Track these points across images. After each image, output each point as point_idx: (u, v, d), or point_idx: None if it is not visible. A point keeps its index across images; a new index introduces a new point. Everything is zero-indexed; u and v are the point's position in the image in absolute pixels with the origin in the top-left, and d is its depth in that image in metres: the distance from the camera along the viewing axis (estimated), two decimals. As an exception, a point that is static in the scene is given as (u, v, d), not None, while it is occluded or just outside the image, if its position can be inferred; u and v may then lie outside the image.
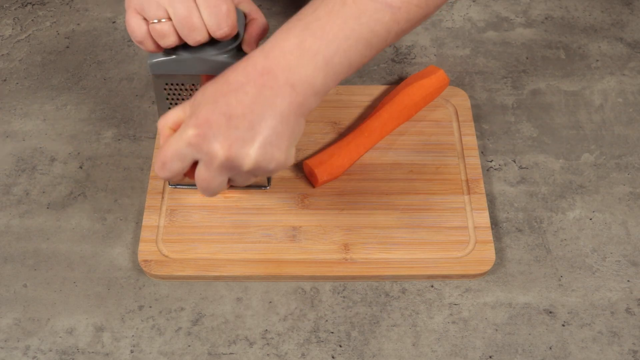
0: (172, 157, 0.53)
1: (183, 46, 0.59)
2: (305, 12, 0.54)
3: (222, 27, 0.56)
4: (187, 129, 0.52)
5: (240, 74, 0.52)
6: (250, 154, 0.52)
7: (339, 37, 0.52)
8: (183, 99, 0.64)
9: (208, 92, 0.53)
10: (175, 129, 0.55)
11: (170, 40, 0.56)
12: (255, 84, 0.52)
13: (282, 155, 0.53)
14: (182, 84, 0.63)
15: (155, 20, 0.55)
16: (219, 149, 0.51)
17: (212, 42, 0.58)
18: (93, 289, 0.68)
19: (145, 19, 0.56)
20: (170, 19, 0.55)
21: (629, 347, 0.65)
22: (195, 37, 0.56)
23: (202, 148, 0.52)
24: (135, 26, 0.56)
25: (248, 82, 0.52)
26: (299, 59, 0.52)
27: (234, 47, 0.60)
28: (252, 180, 0.56)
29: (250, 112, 0.51)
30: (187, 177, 0.57)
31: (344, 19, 0.52)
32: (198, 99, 0.54)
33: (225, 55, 0.59)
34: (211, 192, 0.56)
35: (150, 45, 0.57)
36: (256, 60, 0.52)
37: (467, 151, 0.76)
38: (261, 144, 0.52)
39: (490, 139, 0.79)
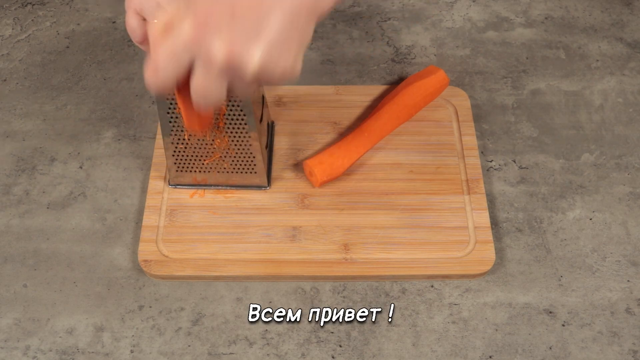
0: (166, 59, 0.47)
1: None
2: None
3: None
4: (183, 24, 0.46)
5: None
6: (255, 55, 0.46)
7: None
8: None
9: None
10: (167, 30, 0.48)
11: None
12: None
13: (290, 61, 0.47)
14: None
15: (155, 20, 0.55)
16: (220, 47, 0.45)
17: None
18: (93, 289, 0.69)
19: (145, 19, 0.56)
20: None
21: (629, 347, 0.65)
22: None
23: (201, 46, 0.46)
24: (135, 26, 0.56)
25: None
26: None
27: None
28: (254, 90, 0.49)
29: (257, 5, 0.45)
30: (180, 91, 0.51)
31: None
32: None
33: None
34: (208, 101, 0.49)
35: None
36: None
37: (467, 151, 0.76)
38: (268, 44, 0.46)
39: (490, 139, 0.79)
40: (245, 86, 0.48)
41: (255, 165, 0.71)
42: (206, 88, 0.48)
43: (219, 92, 0.48)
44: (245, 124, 0.66)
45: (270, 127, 0.78)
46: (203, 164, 0.71)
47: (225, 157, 0.70)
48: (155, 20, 0.49)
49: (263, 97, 0.73)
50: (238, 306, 0.67)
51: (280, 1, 0.46)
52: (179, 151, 0.70)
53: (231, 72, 0.47)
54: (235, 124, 0.67)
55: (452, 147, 0.77)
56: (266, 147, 0.74)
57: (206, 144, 0.69)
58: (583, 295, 0.68)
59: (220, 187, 0.74)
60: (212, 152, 0.69)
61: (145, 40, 0.57)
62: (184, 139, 0.68)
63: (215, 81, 0.47)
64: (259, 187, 0.74)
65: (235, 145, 0.69)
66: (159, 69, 0.48)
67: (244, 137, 0.68)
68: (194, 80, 0.48)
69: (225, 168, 0.71)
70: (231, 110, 0.65)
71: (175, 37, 0.46)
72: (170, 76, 0.48)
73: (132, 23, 0.56)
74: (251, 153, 0.69)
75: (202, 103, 0.49)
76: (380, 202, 0.73)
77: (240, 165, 0.71)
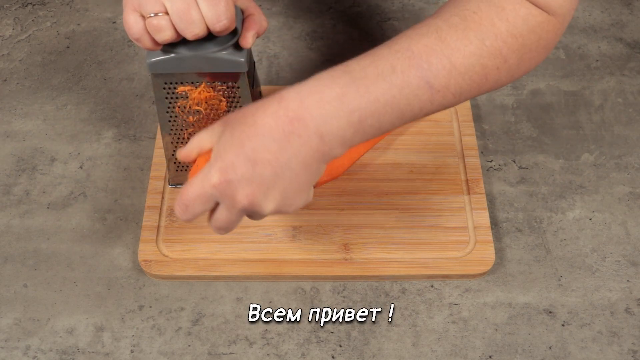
0: (196, 199, 0.53)
1: (181, 44, 0.59)
2: (353, 66, 0.53)
3: (222, 19, 0.55)
4: (213, 172, 0.52)
5: (270, 117, 0.51)
6: (271, 202, 0.52)
7: (380, 101, 0.52)
8: (182, 99, 0.64)
9: (235, 133, 0.52)
10: (203, 156, 0.56)
11: (167, 35, 0.56)
12: (284, 130, 0.50)
13: (302, 200, 0.54)
14: (181, 83, 0.63)
15: (152, 15, 0.55)
16: (242, 197, 0.52)
17: (209, 38, 0.58)
18: (93, 289, 0.69)
19: (142, 15, 0.56)
20: (167, 13, 0.55)
21: (629, 347, 0.65)
22: (193, 30, 0.56)
23: (227, 194, 0.52)
24: (133, 23, 0.56)
25: (277, 127, 0.51)
26: (335, 111, 0.51)
27: (232, 43, 0.60)
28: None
29: (275, 159, 0.51)
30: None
31: (389, 86, 0.52)
32: (224, 139, 0.53)
33: (224, 52, 0.59)
34: (226, 232, 0.56)
35: (147, 42, 0.57)
36: (289, 103, 0.51)
37: (467, 151, 0.76)
38: (283, 192, 0.52)
39: (490, 139, 0.79)
40: (260, 218, 0.55)
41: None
42: (228, 222, 0.55)
43: (237, 224, 0.55)
44: None
45: None
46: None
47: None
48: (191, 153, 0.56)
49: (260, 93, 0.73)
50: (238, 306, 0.67)
51: (296, 157, 0.51)
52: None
53: (250, 212, 0.54)
54: None
55: (452, 147, 0.77)
56: None
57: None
58: (583, 295, 0.68)
59: None
60: None
61: (142, 36, 0.57)
62: (184, 139, 0.68)
63: (237, 218, 0.54)
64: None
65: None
66: (188, 207, 0.54)
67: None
68: (217, 214, 0.54)
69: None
70: (230, 109, 0.65)
71: (204, 181, 0.52)
72: (198, 213, 0.54)
73: (129, 19, 0.56)
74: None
75: (220, 232, 0.56)
76: (380, 202, 0.73)
77: None
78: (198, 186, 0.53)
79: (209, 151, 0.55)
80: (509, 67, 0.56)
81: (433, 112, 0.56)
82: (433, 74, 0.53)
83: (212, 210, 0.55)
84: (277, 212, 0.54)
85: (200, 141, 0.56)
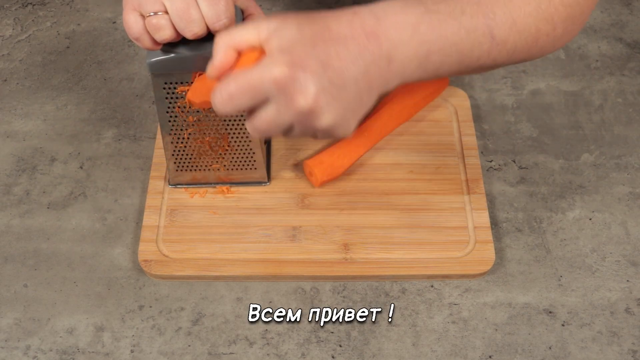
0: (246, 90, 0.48)
1: (181, 44, 0.59)
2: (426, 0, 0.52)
3: (222, 18, 0.55)
4: (277, 64, 0.47)
5: (345, 25, 0.49)
6: (332, 113, 0.49)
7: (448, 39, 0.52)
8: (182, 99, 0.64)
9: (305, 32, 0.48)
10: (241, 52, 0.50)
11: (166, 34, 0.56)
12: (359, 42, 0.48)
13: (353, 124, 0.51)
14: (181, 83, 0.63)
15: (152, 14, 0.55)
16: (307, 97, 0.47)
17: (209, 38, 0.58)
18: (93, 289, 0.69)
19: (142, 15, 0.56)
20: (167, 13, 0.55)
21: (629, 347, 0.65)
22: (193, 29, 0.56)
23: (288, 90, 0.47)
24: (132, 22, 0.56)
25: (352, 37, 0.48)
26: (408, 38, 0.50)
27: None
28: (307, 136, 0.52)
29: (346, 69, 0.48)
30: (199, 78, 0.53)
31: (459, 26, 0.52)
32: (290, 34, 0.48)
33: None
34: (266, 136, 0.52)
35: (146, 41, 0.57)
36: (365, 18, 0.49)
37: (467, 151, 0.76)
38: (345, 106, 0.49)
39: (490, 139, 0.79)
40: (305, 133, 0.51)
41: (255, 161, 0.71)
42: (274, 125, 0.49)
43: (280, 131, 0.50)
44: (244, 119, 0.66)
45: None
46: (203, 162, 0.71)
47: (225, 154, 0.70)
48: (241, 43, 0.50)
49: None
50: (238, 306, 0.67)
51: (365, 73, 0.49)
52: (179, 150, 0.70)
53: (303, 120, 0.49)
54: (235, 120, 0.67)
55: (452, 147, 0.77)
56: (265, 143, 0.74)
57: (206, 141, 0.69)
58: (583, 295, 0.68)
59: (220, 184, 0.74)
60: (212, 149, 0.70)
61: (141, 36, 0.57)
62: (184, 139, 0.68)
63: (285, 122, 0.49)
64: (259, 182, 0.74)
65: (235, 141, 0.69)
66: (234, 97, 0.48)
67: (243, 133, 0.68)
68: (263, 114, 0.49)
69: (225, 165, 0.71)
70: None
71: (264, 73, 0.47)
72: (244, 106, 0.49)
73: (129, 19, 0.56)
74: (250, 149, 0.70)
75: (259, 134, 0.51)
76: (380, 202, 0.73)
77: (240, 161, 0.71)
78: (254, 76, 0.47)
79: (253, 50, 0.50)
80: (555, 35, 0.57)
81: (486, 67, 0.56)
82: (497, 24, 0.53)
83: (252, 111, 0.50)
84: (329, 129, 0.50)
85: (238, 35, 0.50)
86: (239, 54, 0.50)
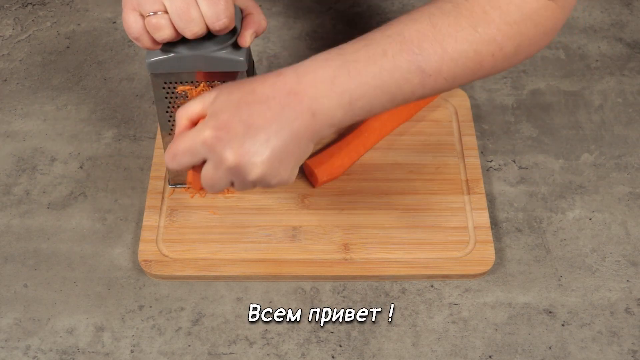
0: (185, 151, 0.54)
1: (180, 43, 0.59)
2: (347, 49, 0.55)
3: (221, 18, 0.55)
4: (205, 128, 0.53)
5: (268, 87, 0.53)
6: (258, 166, 0.53)
7: (370, 84, 0.54)
8: (182, 98, 0.64)
9: (233, 97, 0.54)
10: (193, 121, 0.56)
11: (166, 34, 0.56)
12: (280, 101, 0.53)
13: (287, 174, 0.55)
14: (181, 82, 0.63)
15: (152, 13, 0.55)
16: (230, 155, 0.52)
17: (208, 37, 0.58)
18: (93, 289, 0.69)
19: (141, 14, 0.56)
20: (166, 12, 0.55)
21: (629, 347, 0.65)
22: (193, 28, 0.56)
23: (216, 150, 0.53)
24: (132, 22, 0.56)
25: (274, 97, 0.53)
26: (327, 91, 0.53)
27: (231, 42, 0.60)
28: (250, 190, 0.58)
29: (268, 126, 0.52)
30: (191, 171, 0.58)
31: (380, 69, 0.54)
32: (221, 100, 0.54)
33: (224, 51, 0.59)
34: (213, 190, 0.57)
35: (146, 41, 0.57)
36: (286, 79, 0.54)
37: (467, 151, 0.76)
38: (271, 158, 0.53)
39: (490, 139, 0.79)
40: (244, 186, 0.56)
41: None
42: (213, 180, 0.55)
43: (223, 185, 0.56)
44: None
45: None
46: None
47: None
48: (186, 109, 0.56)
49: None
50: (238, 306, 0.67)
51: (289, 127, 0.53)
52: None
53: (236, 175, 0.54)
54: None
55: (452, 147, 0.77)
56: None
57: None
58: (583, 295, 0.68)
59: None
60: None
61: (141, 36, 0.57)
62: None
63: (222, 177, 0.54)
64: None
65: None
66: (177, 157, 0.55)
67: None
68: (204, 171, 0.55)
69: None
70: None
71: (196, 137, 0.53)
72: (184, 164, 0.55)
73: (128, 19, 0.56)
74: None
75: (208, 189, 0.57)
76: (380, 202, 0.73)
77: None
78: (189, 139, 0.54)
79: (199, 119, 0.56)
80: (505, 54, 0.56)
81: (427, 95, 0.57)
82: (424, 58, 0.54)
83: (198, 168, 0.56)
84: (261, 180, 0.54)
85: (189, 108, 0.56)
86: (194, 123, 0.56)
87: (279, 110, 0.53)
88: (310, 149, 0.56)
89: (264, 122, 0.52)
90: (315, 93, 0.53)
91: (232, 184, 0.57)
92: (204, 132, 0.53)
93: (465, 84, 0.58)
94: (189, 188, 0.74)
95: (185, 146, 0.54)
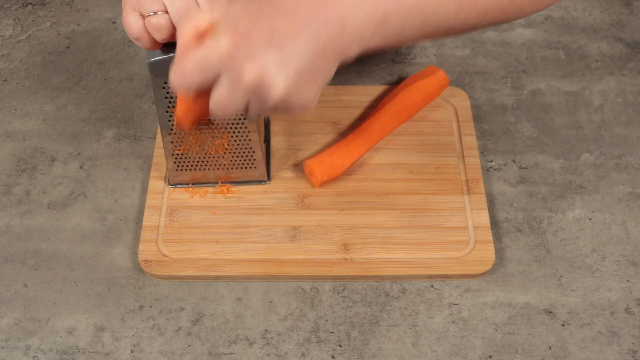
0: (195, 67, 0.48)
1: None
2: None
3: None
4: (221, 40, 0.47)
5: None
6: (282, 81, 0.47)
7: (406, 2, 0.49)
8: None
9: (251, 6, 0.48)
10: (200, 34, 0.49)
11: (166, 34, 0.56)
12: (307, 9, 0.47)
13: (310, 95, 0.49)
14: None
15: (152, 13, 0.55)
16: (252, 68, 0.47)
17: None
18: (93, 289, 0.69)
19: (142, 14, 0.56)
20: (167, 12, 0.55)
21: (629, 347, 0.65)
22: None
23: (235, 62, 0.47)
24: (132, 22, 0.56)
25: (300, 5, 0.47)
26: (359, 3, 0.48)
27: None
28: (267, 115, 0.51)
29: (296, 34, 0.47)
30: (184, 99, 0.52)
31: None
32: (237, 9, 0.48)
33: None
34: (225, 113, 0.51)
35: (146, 41, 0.57)
36: None
37: (467, 151, 0.76)
38: (297, 73, 0.47)
39: (490, 139, 0.79)
40: (262, 109, 0.50)
41: (254, 160, 0.71)
42: (228, 101, 0.49)
43: (239, 108, 0.50)
44: (244, 118, 0.66)
45: (267, 122, 0.78)
46: (202, 161, 0.71)
47: (224, 153, 0.70)
48: (190, 23, 0.49)
49: None
50: (238, 306, 0.67)
51: (316, 38, 0.47)
52: (179, 150, 0.70)
53: (255, 93, 0.48)
54: (234, 118, 0.67)
55: (452, 147, 0.77)
56: (264, 141, 0.74)
57: (205, 140, 0.69)
58: (583, 295, 0.68)
59: (220, 184, 0.74)
60: (212, 147, 0.70)
61: (141, 36, 0.57)
62: (184, 139, 0.68)
63: (238, 97, 0.48)
64: (259, 181, 0.74)
65: (234, 140, 0.69)
66: (186, 75, 0.48)
67: (243, 131, 0.68)
68: (217, 91, 0.49)
69: (224, 164, 0.71)
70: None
71: (210, 49, 0.47)
72: (196, 83, 0.49)
73: (128, 19, 0.56)
74: (250, 147, 0.70)
75: (218, 113, 0.50)
76: (380, 202, 0.73)
77: (240, 160, 0.71)
78: (201, 52, 0.48)
79: (206, 33, 0.50)
80: None
81: (456, 29, 0.53)
82: None
83: (209, 89, 0.50)
84: (283, 101, 0.48)
85: (196, 19, 0.50)
86: (200, 38, 0.50)
87: (306, 19, 0.47)
88: (333, 72, 0.50)
89: (290, 30, 0.46)
90: (348, 2, 0.48)
91: (246, 110, 0.51)
92: (220, 45, 0.47)
93: (492, 24, 0.54)
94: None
95: (196, 61, 0.48)
